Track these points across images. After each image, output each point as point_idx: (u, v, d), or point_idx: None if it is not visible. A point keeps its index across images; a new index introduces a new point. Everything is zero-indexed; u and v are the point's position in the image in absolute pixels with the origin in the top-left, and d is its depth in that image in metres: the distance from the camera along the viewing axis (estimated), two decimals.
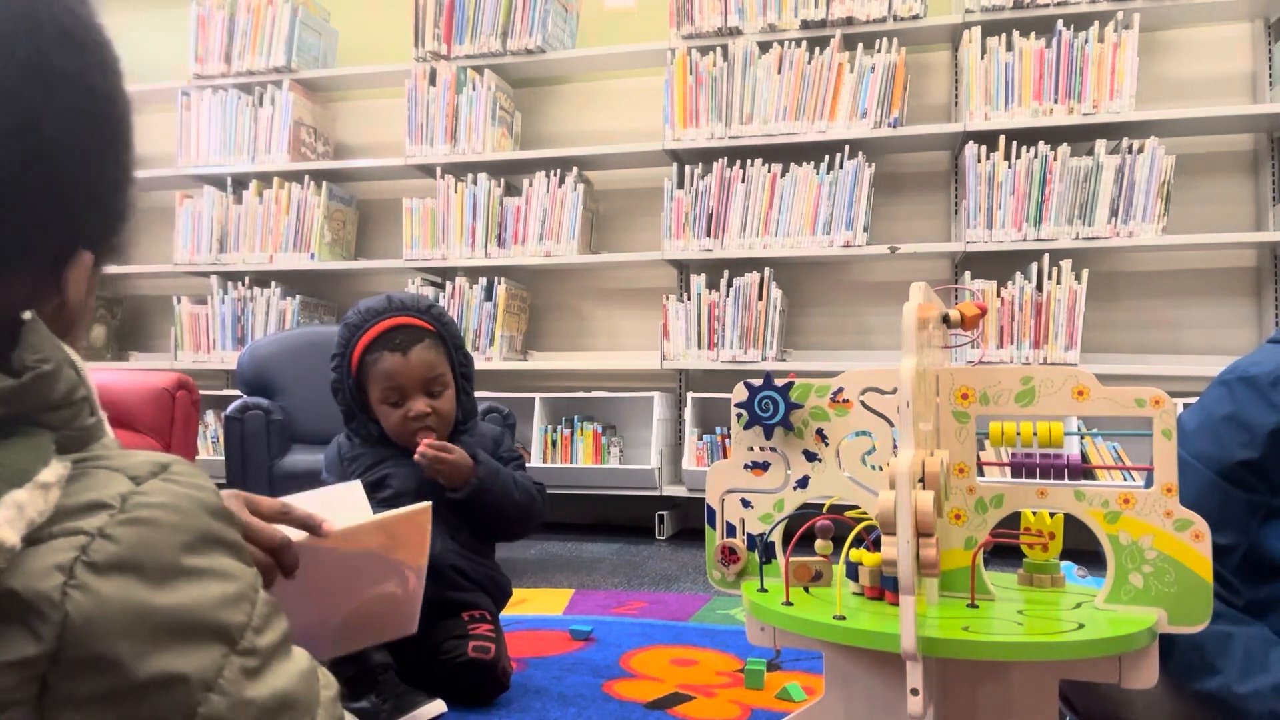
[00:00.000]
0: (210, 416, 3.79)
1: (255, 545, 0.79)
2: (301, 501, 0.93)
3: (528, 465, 1.88)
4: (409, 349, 1.65)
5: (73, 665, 0.41)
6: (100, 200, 0.52)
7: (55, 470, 0.43)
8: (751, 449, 1.14)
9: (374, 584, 1.06)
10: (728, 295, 3.37)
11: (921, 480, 0.87)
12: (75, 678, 0.42)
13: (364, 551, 1.01)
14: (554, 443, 3.50)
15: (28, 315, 0.47)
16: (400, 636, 1.15)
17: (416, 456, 1.60)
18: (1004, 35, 3.20)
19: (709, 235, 3.41)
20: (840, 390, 1.11)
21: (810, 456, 1.12)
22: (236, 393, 2.98)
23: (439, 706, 1.46)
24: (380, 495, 1.66)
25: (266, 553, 0.80)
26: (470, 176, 3.67)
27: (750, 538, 1.14)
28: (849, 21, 3.35)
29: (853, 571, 1.07)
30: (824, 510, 1.11)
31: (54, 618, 0.41)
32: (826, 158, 3.32)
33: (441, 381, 1.67)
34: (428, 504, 1.06)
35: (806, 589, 1.09)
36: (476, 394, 1.80)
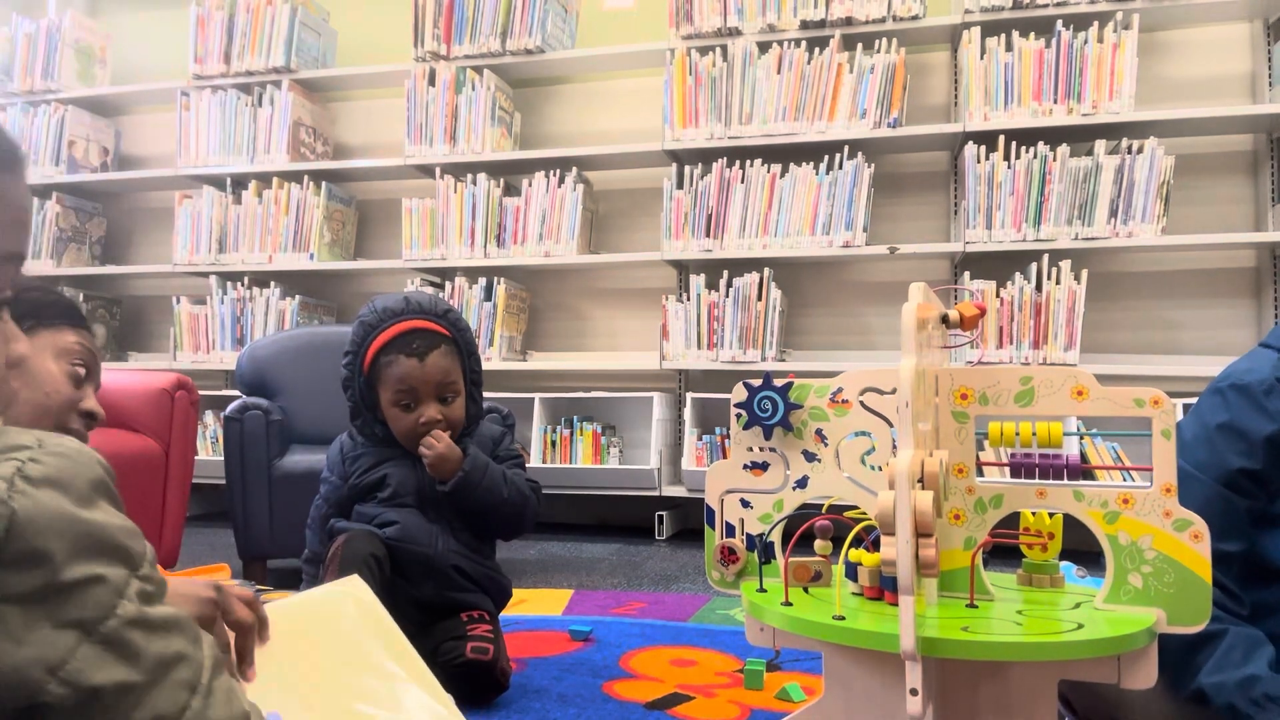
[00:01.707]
0: (210, 417, 3.79)
1: (237, 608, 0.89)
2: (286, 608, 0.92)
3: (527, 465, 1.88)
4: (426, 355, 1.64)
5: (14, 559, 0.49)
6: None
7: None
8: (751, 449, 1.14)
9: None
10: (727, 295, 3.37)
11: (921, 480, 0.87)
12: (16, 571, 0.49)
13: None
14: (554, 443, 3.50)
15: None
16: None
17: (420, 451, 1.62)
18: (1003, 35, 3.20)
19: (708, 235, 3.41)
20: (839, 390, 1.11)
21: (809, 457, 1.12)
22: (236, 393, 2.98)
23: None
24: (380, 495, 1.66)
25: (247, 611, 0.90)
26: (470, 177, 3.67)
27: (750, 538, 1.14)
28: (848, 22, 3.35)
29: (852, 572, 1.06)
30: (823, 510, 1.10)
31: (3, 513, 0.48)
32: (826, 158, 3.32)
33: (454, 389, 1.67)
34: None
35: (806, 589, 1.09)
36: None
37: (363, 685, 0.96)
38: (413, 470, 1.66)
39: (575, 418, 3.54)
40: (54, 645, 0.49)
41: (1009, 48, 3.20)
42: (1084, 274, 3.07)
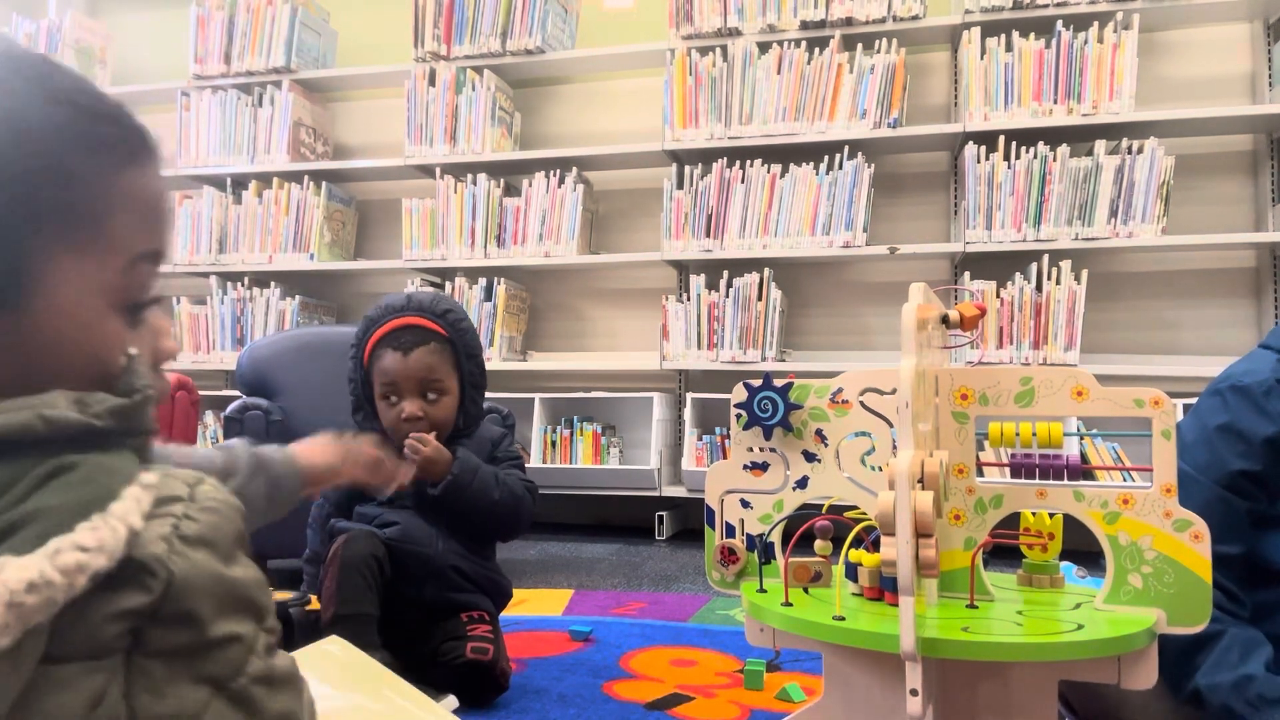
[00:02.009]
0: (210, 417, 3.79)
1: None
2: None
3: (528, 465, 1.88)
4: (411, 349, 1.65)
5: (166, 618, 0.50)
6: None
7: (151, 475, 0.53)
8: (751, 449, 1.14)
9: None
10: (727, 296, 3.37)
11: (921, 481, 0.87)
12: (166, 630, 0.50)
13: None
14: (554, 443, 3.50)
15: (133, 351, 0.56)
16: None
17: (405, 451, 1.60)
18: (1003, 36, 3.20)
19: (708, 236, 3.41)
20: (839, 391, 1.11)
21: (809, 457, 1.12)
22: (236, 393, 2.98)
23: (451, 703, 1.46)
24: (380, 496, 1.66)
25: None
26: (470, 177, 3.67)
27: (749, 538, 1.14)
28: (848, 22, 3.35)
29: (852, 572, 1.06)
30: (823, 511, 1.10)
31: (162, 575, 0.49)
32: (826, 158, 3.32)
33: (439, 387, 1.65)
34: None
35: (806, 589, 1.09)
36: None
37: (368, 706, 0.97)
38: (409, 471, 1.66)
39: (575, 418, 3.54)
40: (190, 700, 0.51)
41: (1009, 48, 3.20)
42: (1084, 274, 3.07)
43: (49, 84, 0.54)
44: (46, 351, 0.53)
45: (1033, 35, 3.19)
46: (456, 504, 1.63)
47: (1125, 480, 2.85)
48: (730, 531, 1.15)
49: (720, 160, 3.41)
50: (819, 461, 1.12)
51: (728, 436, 3.28)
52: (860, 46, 3.32)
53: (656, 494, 3.39)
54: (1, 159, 0.51)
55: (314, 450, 1.23)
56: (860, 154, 3.29)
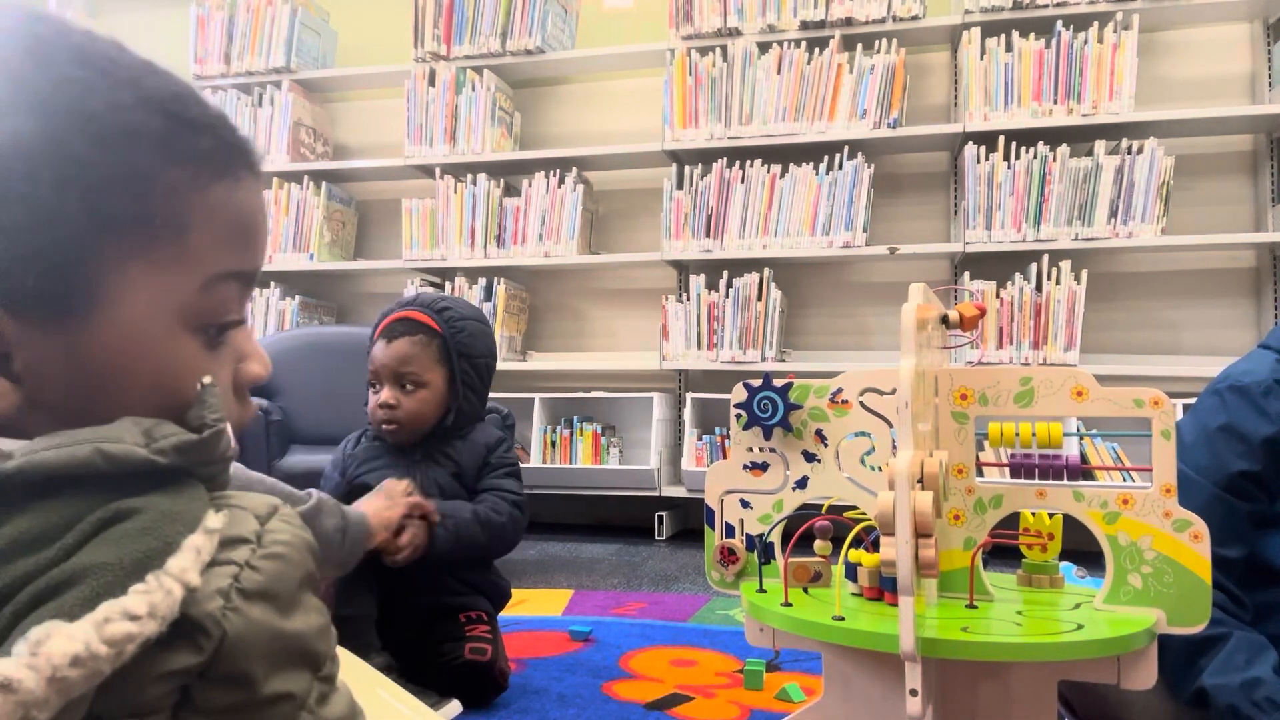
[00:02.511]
0: None
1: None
2: None
3: (527, 465, 1.87)
4: (393, 339, 1.66)
5: (217, 678, 0.47)
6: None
7: (218, 518, 0.49)
8: (751, 449, 1.14)
9: None
10: (727, 296, 3.37)
11: (920, 481, 0.87)
12: (215, 690, 0.47)
13: None
14: (553, 443, 3.50)
15: (207, 380, 0.53)
16: None
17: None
18: (1003, 36, 3.20)
19: (708, 236, 3.41)
20: (839, 391, 1.11)
21: (809, 457, 1.12)
22: None
23: (455, 708, 1.46)
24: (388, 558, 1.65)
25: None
26: (469, 177, 3.67)
27: (749, 538, 1.14)
28: (848, 22, 3.35)
29: (852, 572, 1.06)
30: (823, 511, 1.10)
31: (215, 634, 0.46)
32: (826, 158, 3.32)
33: (415, 379, 1.65)
34: None
35: (805, 589, 1.09)
36: None
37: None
38: (410, 474, 1.66)
39: (575, 418, 3.54)
40: None
41: (1009, 48, 3.20)
42: (1084, 274, 3.07)
43: (143, 89, 0.51)
44: (112, 369, 0.51)
45: (1033, 35, 3.19)
46: (453, 563, 1.62)
47: (1125, 480, 2.84)
48: (730, 531, 1.15)
49: (720, 160, 3.41)
50: (819, 461, 1.12)
51: (727, 436, 3.29)
52: (860, 46, 3.32)
53: (656, 494, 3.39)
54: (82, 160, 0.48)
55: (371, 504, 1.42)
56: (860, 154, 3.29)
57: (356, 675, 1.01)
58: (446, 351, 1.68)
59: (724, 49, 3.43)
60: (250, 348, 0.58)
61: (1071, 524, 1.04)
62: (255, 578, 0.48)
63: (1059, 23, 3.14)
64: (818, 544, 1.12)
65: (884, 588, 1.02)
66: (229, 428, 0.53)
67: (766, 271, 3.35)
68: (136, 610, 0.44)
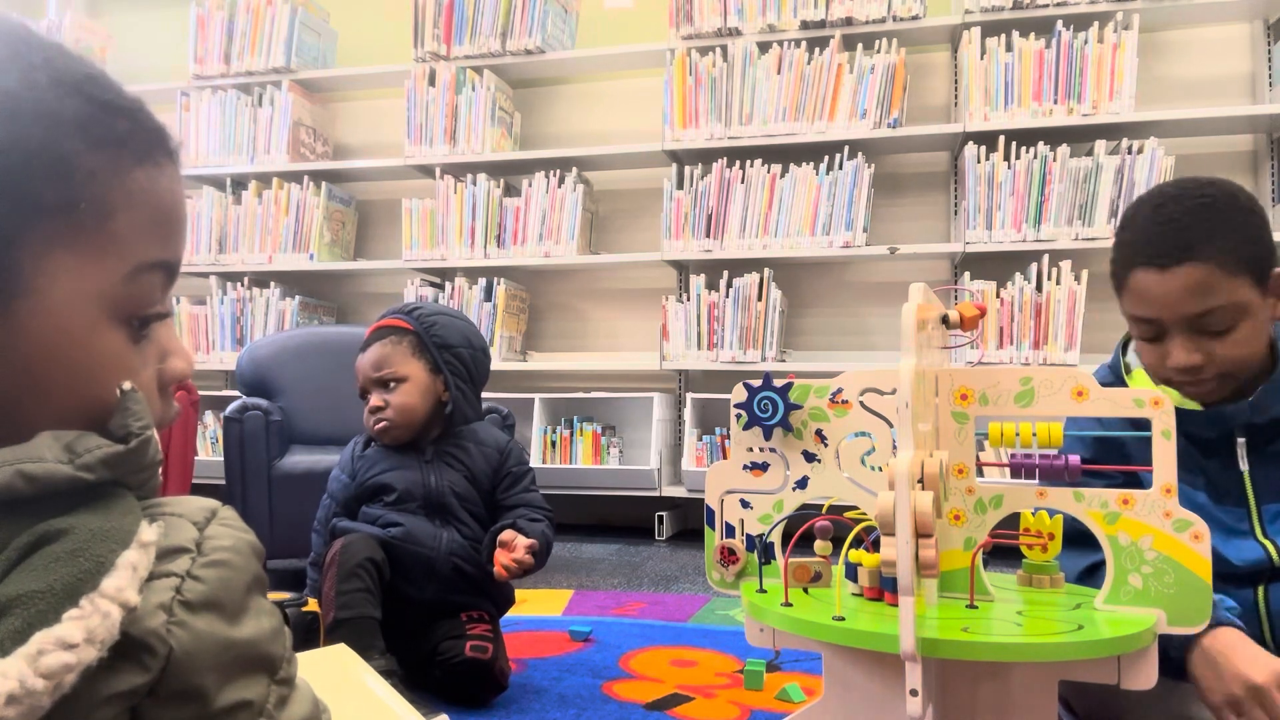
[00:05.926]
0: (209, 417, 3.79)
1: None
2: None
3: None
4: (368, 347, 1.71)
5: (167, 695, 0.45)
6: None
7: (152, 530, 0.47)
8: (751, 450, 1.14)
9: None
10: (727, 296, 3.37)
11: (920, 481, 0.87)
12: (167, 707, 0.45)
13: None
14: (553, 443, 3.50)
15: (127, 385, 0.50)
16: None
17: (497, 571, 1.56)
18: (1003, 36, 3.20)
19: (708, 236, 3.41)
20: (839, 391, 1.11)
21: (809, 457, 1.12)
22: (236, 393, 2.98)
23: None
24: (386, 499, 1.66)
25: None
26: (469, 177, 3.67)
27: (749, 538, 1.14)
28: (848, 22, 3.35)
29: (852, 572, 1.06)
30: (823, 511, 1.10)
31: (161, 651, 0.45)
32: (826, 158, 3.32)
33: (393, 375, 1.68)
34: None
35: (806, 590, 1.09)
36: None
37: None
38: (419, 475, 1.66)
39: (575, 418, 3.54)
40: None
41: (1009, 48, 3.20)
42: (1084, 274, 3.07)
43: (56, 70, 0.49)
44: (35, 362, 0.48)
45: (1033, 35, 3.19)
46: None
47: None
48: (730, 532, 1.15)
49: (720, 160, 3.41)
50: (819, 462, 1.12)
51: (728, 437, 3.29)
52: (860, 46, 3.32)
53: (656, 494, 3.39)
54: None
55: None
56: (860, 154, 3.29)
57: (350, 675, 1.01)
58: (421, 344, 1.70)
59: (724, 49, 3.43)
60: (173, 343, 0.56)
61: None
62: (198, 588, 0.46)
63: (1059, 23, 3.14)
64: (818, 544, 1.12)
65: (884, 588, 1.02)
66: (155, 432, 0.51)
67: (766, 271, 3.34)
68: (72, 638, 0.41)
